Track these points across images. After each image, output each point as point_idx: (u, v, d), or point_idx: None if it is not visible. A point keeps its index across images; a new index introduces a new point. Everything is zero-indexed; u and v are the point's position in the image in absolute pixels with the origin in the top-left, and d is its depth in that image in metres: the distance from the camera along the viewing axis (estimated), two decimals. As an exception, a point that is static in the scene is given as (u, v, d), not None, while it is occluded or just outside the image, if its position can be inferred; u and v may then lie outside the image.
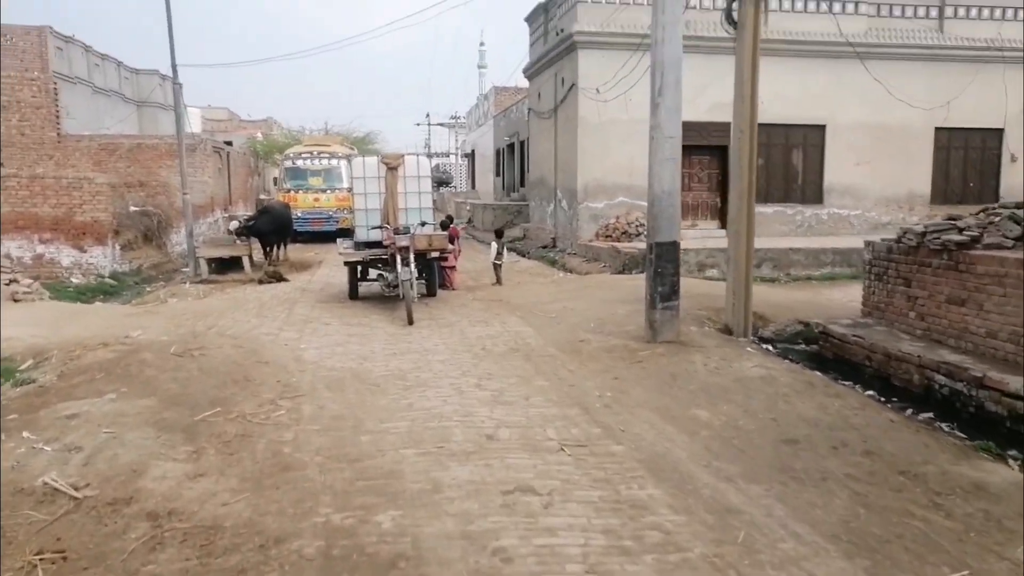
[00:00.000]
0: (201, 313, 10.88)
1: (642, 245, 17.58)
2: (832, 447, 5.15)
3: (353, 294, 11.98)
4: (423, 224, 11.01)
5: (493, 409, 6.04)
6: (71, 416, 5.52)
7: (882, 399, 6.75)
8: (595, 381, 6.97)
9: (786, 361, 7.98)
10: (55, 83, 27.89)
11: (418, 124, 76.63)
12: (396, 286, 10.35)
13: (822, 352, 9.14)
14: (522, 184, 30.79)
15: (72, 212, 17.31)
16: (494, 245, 14.14)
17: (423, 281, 11.95)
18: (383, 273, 11.09)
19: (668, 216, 8.35)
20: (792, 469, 4.79)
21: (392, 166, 11.50)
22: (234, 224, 17.23)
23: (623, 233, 18.81)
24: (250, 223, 17.01)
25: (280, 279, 14.65)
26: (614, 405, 6.18)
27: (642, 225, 19.02)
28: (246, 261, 16.91)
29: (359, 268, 11.86)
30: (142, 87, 38.05)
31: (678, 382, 6.81)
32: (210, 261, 17.17)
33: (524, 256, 21.30)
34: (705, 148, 19.07)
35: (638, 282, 13.05)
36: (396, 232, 10.42)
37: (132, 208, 20.66)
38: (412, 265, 10.19)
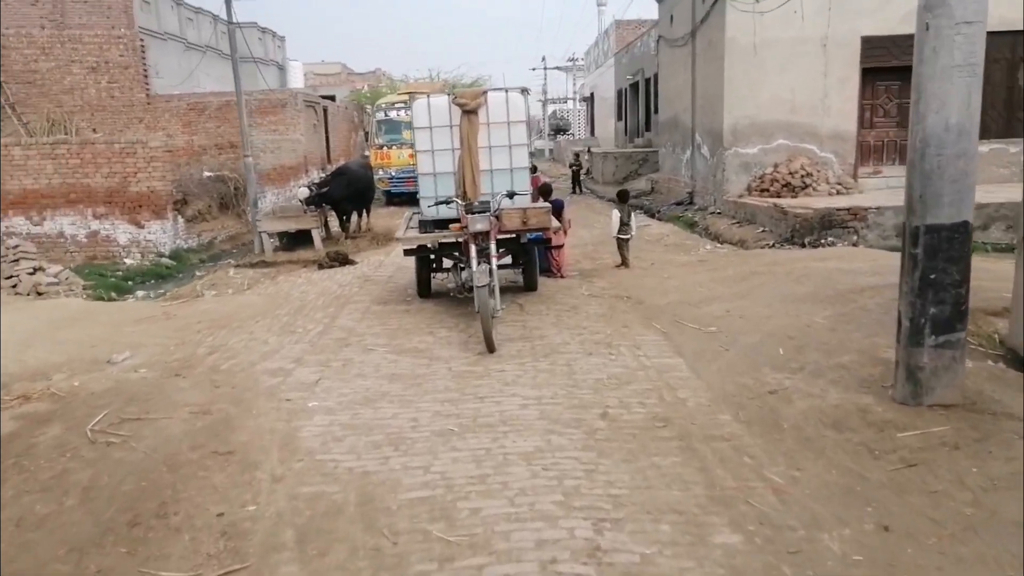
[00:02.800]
0: (222, 320, 7.96)
1: (814, 202, 13.26)
2: None
3: (423, 291, 8.63)
4: (511, 195, 7.30)
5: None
6: None
7: None
8: (838, 532, 3.34)
9: None
10: (142, 40, 26.15)
11: (533, 69, 72.58)
12: (471, 288, 6.89)
13: None
14: (647, 128, 26.57)
15: (126, 182, 14.97)
16: (616, 214, 10.00)
17: (519, 267, 8.52)
18: (458, 265, 7.63)
19: (954, 174, 4.32)
20: None
21: (469, 109, 7.87)
22: (303, 192, 14.24)
23: (784, 186, 14.56)
24: (322, 189, 14.06)
25: (345, 261, 11.55)
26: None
27: (808, 175, 14.70)
28: (316, 235, 13.95)
29: (432, 255, 8.47)
30: (240, 41, 36.07)
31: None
32: (280, 235, 14.38)
33: (653, 216, 17.38)
34: (894, 71, 14.43)
35: (829, 264, 9.00)
36: (469, 209, 6.90)
37: (206, 173, 18.28)
38: (494, 260, 6.68)
